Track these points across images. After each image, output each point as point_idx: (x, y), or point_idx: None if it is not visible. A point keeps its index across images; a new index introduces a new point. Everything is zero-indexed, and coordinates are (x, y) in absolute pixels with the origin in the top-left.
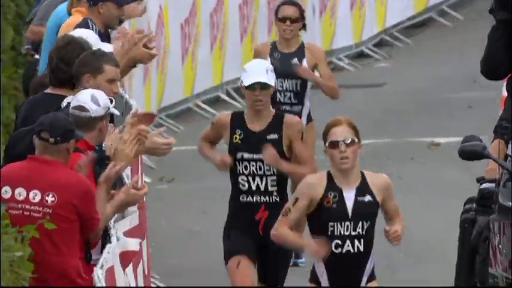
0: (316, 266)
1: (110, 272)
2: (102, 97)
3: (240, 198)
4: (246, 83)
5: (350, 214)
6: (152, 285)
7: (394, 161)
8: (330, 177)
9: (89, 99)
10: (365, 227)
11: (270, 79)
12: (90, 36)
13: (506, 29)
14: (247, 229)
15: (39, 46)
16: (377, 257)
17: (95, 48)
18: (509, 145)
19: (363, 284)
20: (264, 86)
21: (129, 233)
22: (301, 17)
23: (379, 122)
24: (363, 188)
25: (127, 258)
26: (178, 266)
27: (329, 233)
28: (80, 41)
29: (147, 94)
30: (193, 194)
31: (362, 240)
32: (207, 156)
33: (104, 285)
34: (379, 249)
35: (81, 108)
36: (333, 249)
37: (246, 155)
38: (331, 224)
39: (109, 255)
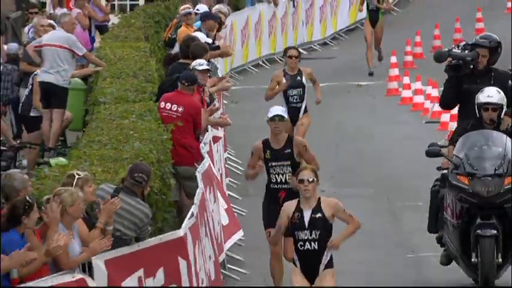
0: (295, 256)
1: (209, 145)
2: (204, 62)
3: (271, 186)
4: (270, 115)
5: (306, 225)
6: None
7: (340, 93)
8: (298, 202)
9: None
10: (317, 234)
11: (285, 114)
12: (200, 36)
13: (454, 82)
14: (274, 204)
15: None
16: None
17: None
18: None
19: (321, 270)
20: (281, 118)
21: (215, 127)
22: (299, 55)
23: (332, 75)
24: (317, 209)
25: (216, 139)
26: (242, 142)
27: (296, 237)
28: (192, 37)
29: (225, 61)
30: (246, 109)
31: (316, 243)
32: (252, 175)
33: (207, 151)
34: None
35: (195, 68)
36: (299, 247)
37: (274, 163)
38: (296, 232)
39: (207, 137)
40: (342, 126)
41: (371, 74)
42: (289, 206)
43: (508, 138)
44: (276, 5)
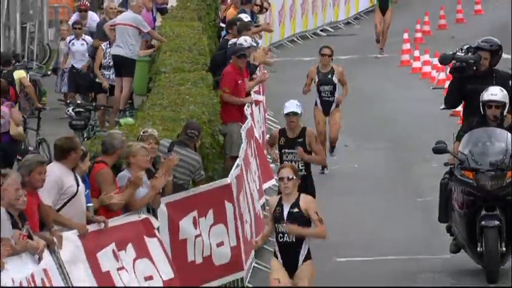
0: (275, 248)
1: (250, 107)
2: (249, 39)
3: None
4: (285, 111)
5: (285, 219)
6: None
7: (360, 64)
8: (280, 198)
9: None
10: None
11: (299, 110)
12: (243, 16)
13: (457, 83)
14: None
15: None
16: None
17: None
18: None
19: (300, 262)
20: (294, 113)
21: (256, 92)
22: (332, 53)
23: (354, 49)
24: (295, 204)
25: (257, 102)
26: (278, 105)
27: (276, 230)
28: (237, 17)
29: (266, 37)
30: (283, 77)
31: (293, 236)
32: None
33: (250, 112)
34: None
35: (242, 43)
36: (279, 239)
37: (287, 150)
38: (277, 224)
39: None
40: (363, 91)
41: (381, 53)
42: (273, 201)
43: (510, 134)
44: None
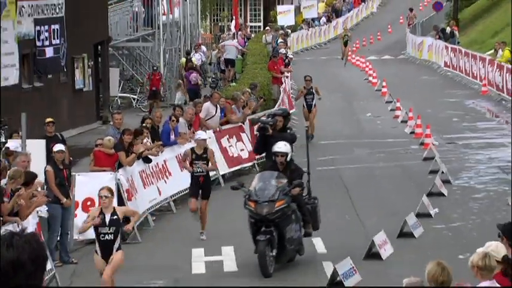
0: (96, 246)
1: (285, 78)
2: (283, 50)
3: (194, 174)
4: (196, 138)
5: (107, 224)
6: (291, 81)
7: (330, 61)
8: (101, 209)
9: None
10: (113, 229)
11: (205, 137)
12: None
13: (262, 137)
14: (196, 183)
15: None
16: None
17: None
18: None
19: (114, 252)
20: (203, 139)
21: (287, 72)
22: (311, 79)
23: (327, 54)
24: (114, 213)
25: (287, 76)
26: (297, 75)
27: (99, 232)
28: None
29: (292, 49)
30: (298, 66)
31: (112, 235)
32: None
33: (284, 80)
34: None
35: (281, 51)
36: (100, 238)
37: (196, 162)
38: (99, 228)
39: (285, 75)
40: (330, 73)
41: (345, 63)
42: (95, 211)
43: (285, 177)
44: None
